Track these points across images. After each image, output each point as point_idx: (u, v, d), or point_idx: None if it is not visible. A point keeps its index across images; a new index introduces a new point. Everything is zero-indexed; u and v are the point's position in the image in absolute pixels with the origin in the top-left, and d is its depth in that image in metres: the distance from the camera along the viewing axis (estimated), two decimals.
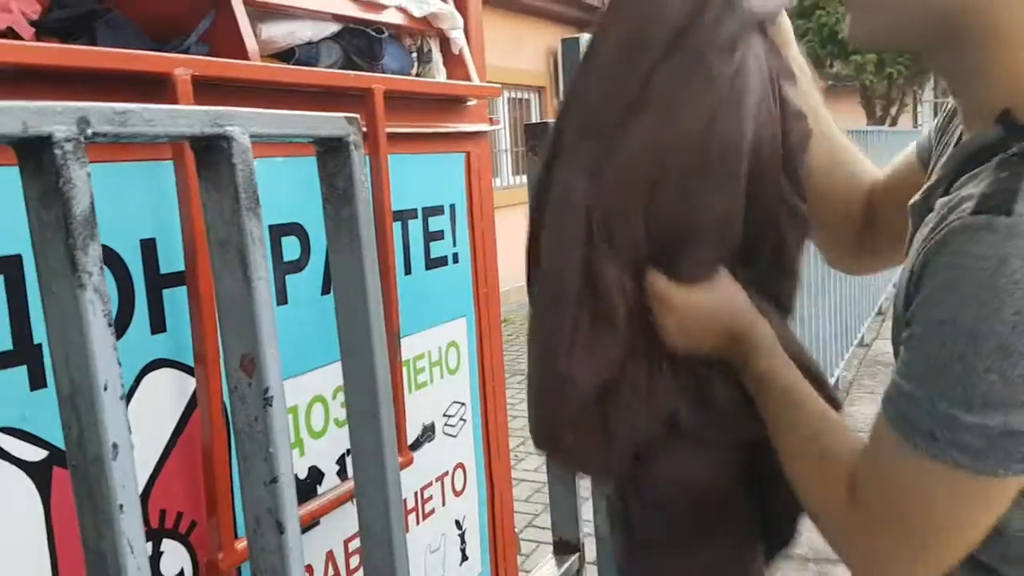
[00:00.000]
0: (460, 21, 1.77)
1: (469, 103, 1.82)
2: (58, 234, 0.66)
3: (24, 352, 1.02)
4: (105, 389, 0.67)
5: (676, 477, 1.11)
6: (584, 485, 2.29)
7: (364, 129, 1.48)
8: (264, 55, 1.39)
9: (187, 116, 0.76)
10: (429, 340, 1.72)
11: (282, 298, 1.37)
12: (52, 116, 0.64)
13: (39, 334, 1.03)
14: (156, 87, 1.10)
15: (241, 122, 0.80)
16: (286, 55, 1.47)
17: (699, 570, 1.15)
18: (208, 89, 1.16)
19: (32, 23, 1.22)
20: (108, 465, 0.67)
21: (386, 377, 0.98)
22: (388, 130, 1.49)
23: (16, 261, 1.01)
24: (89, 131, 0.66)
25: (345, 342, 0.99)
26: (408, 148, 1.63)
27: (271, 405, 0.82)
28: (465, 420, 1.84)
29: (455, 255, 1.82)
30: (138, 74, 1.10)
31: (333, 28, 1.55)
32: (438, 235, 1.76)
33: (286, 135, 0.88)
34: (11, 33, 1.17)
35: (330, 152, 0.95)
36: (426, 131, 1.70)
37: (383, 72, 1.62)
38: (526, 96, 8.72)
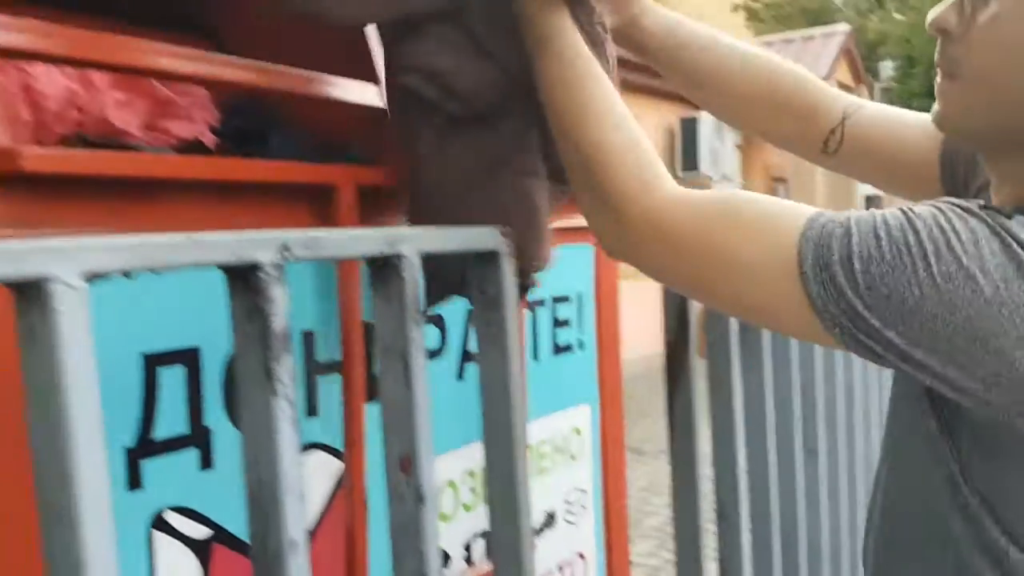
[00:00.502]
0: None
1: None
2: (258, 347, 0.74)
3: (196, 435, 1.11)
4: (289, 490, 0.74)
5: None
6: None
7: None
8: None
9: (367, 239, 0.84)
10: (553, 426, 1.76)
11: None
12: (258, 245, 0.73)
13: (209, 419, 1.12)
14: (325, 195, 1.20)
15: (411, 241, 0.87)
16: None
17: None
18: (372, 195, 1.26)
19: (212, 131, 1.35)
20: (287, 561, 0.73)
21: (526, 474, 1.02)
22: None
23: (194, 353, 1.11)
24: (289, 256, 0.75)
25: (489, 441, 1.03)
26: None
27: (425, 504, 0.87)
28: (585, 507, 1.85)
29: (580, 342, 1.86)
30: (310, 185, 1.20)
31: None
32: (565, 323, 1.81)
33: (448, 250, 0.95)
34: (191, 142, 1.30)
35: (482, 262, 1.01)
36: (558, 225, 1.76)
37: None
38: None
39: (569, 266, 1.83)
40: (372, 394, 1.39)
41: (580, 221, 1.84)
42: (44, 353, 0.57)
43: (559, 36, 0.96)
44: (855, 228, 0.78)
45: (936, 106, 0.94)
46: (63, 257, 0.59)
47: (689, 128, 8.65)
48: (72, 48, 0.98)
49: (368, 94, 1.38)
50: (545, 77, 0.97)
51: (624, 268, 1.82)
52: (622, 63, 1.13)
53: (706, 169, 8.75)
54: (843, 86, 9.32)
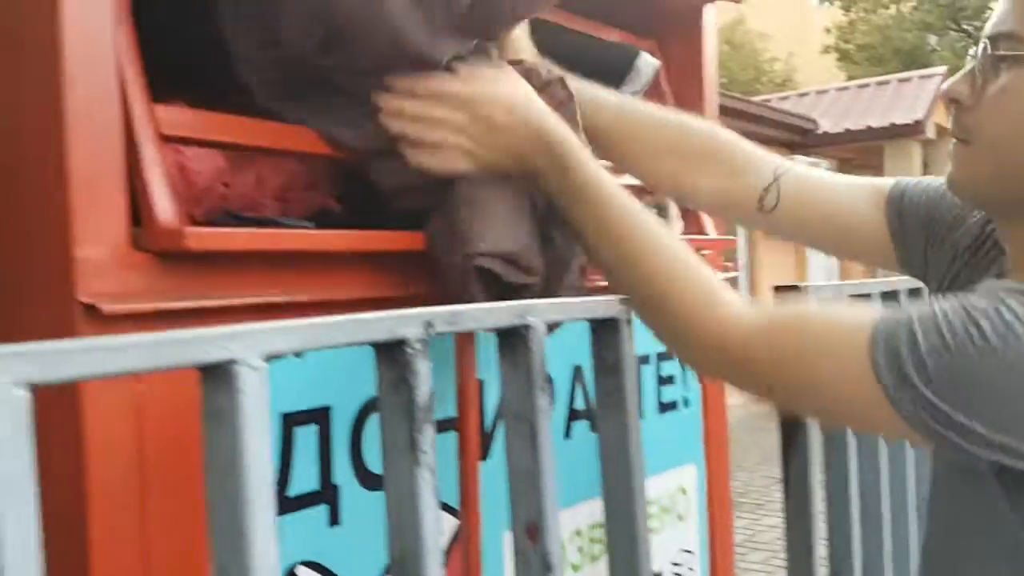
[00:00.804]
0: None
1: (704, 253, 1.89)
2: (403, 418, 0.78)
3: (326, 492, 1.17)
4: (430, 557, 0.77)
5: None
6: None
7: None
8: None
9: (500, 311, 0.88)
10: (659, 486, 1.75)
11: None
12: (407, 322, 0.78)
13: (338, 476, 1.18)
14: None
15: (539, 313, 0.91)
16: None
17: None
18: None
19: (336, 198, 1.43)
20: None
21: (647, 541, 1.03)
22: None
23: (325, 412, 1.17)
24: (432, 331, 0.79)
25: (609, 507, 1.05)
26: None
27: (552, 572, 0.90)
28: (693, 569, 1.83)
29: (685, 399, 1.85)
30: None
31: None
32: (669, 380, 1.81)
33: (572, 319, 0.99)
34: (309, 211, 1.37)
35: (602, 328, 1.04)
36: None
37: None
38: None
39: None
40: (485, 453, 1.43)
41: None
42: (229, 432, 0.63)
43: (596, 183, 1.00)
44: (919, 328, 0.81)
45: (949, 170, 0.98)
46: (246, 341, 0.65)
47: None
48: (220, 132, 1.07)
49: None
50: (587, 224, 1.01)
51: None
52: None
53: None
54: (941, 129, 9.05)
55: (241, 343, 0.64)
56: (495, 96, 0.99)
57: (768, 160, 1.29)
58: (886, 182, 1.21)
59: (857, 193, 1.20)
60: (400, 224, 1.37)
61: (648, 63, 1.72)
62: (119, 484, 0.91)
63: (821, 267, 9.68)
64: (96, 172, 0.91)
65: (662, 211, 1.88)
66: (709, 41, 1.99)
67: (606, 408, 1.04)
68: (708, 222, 1.92)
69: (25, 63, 0.93)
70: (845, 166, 10.26)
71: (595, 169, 1.00)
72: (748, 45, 21.71)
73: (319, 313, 1.13)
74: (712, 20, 2.00)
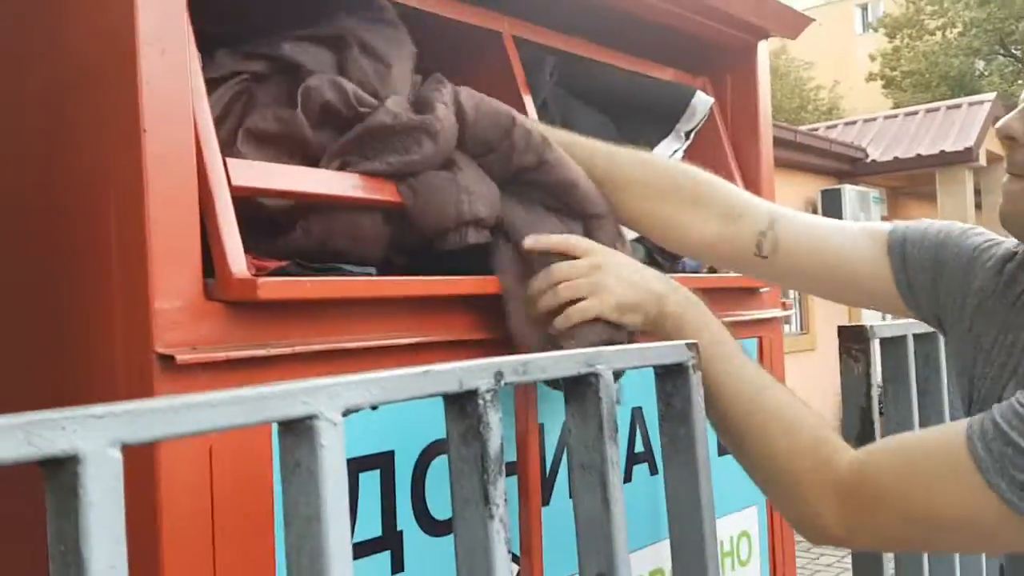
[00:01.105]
0: None
1: (763, 290, 1.87)
2: (474, 469, 0.78)
3: (389, 539, 1.17)
4: None
5: None
6: None
7: None
8: None
9: (568, 360, 0.88)
10: (721, 530, 1.71)
11: None
12: (478, 372, 0.78)
13: (401, 522, 1.18)
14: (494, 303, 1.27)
15: (606, 360, 0.90)
16: None
17: None
18: None
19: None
20: None
21: None
22: None
23: (389, 456, 1.17)
24: (503, 382, 0.79)
25: (677, 555, 1.03)
26: None
27: None
28: None
29: None
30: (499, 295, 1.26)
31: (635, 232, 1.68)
32: None
33: (639, 366, 0.98)
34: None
35: (669, 374, 1.03)
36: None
37: (683, 270, 1.73)
38: None
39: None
40: (546, 498, 1.42)
41: (744, 315, 1.84)
42: (309, 486, 0.63)
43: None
44: (1003, 422, 0.83)
45: (1001, 203, 1.00)
46: (326, 395, 0.65)
47: (832, 200, 8.39)
48: (289, 182, 1.09)
49: None
50: (720, 398, 1.07)
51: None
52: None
53: None
54: (993, 156, 8.85)
55: (321, 397, 0.65)
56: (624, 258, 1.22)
57: (763, 206, 1.27)
58: (882, 227, 1.19)
59: (857, 240, 1.18)
60: (454, 269, 1.38)
61: (703, 101, 1.71)
62: (191, 528, 0.91)
63: None
64: (173, 225, 0.93)
65: None
66: (763, 77, 1.98)
67: (674, 456, 1.02)
68: None
69: (107, 119, 0.96)
70: (895, 195, 10.08)
71: (709, 341, 1.09)
72: (792, 73, 21.59)
73: (383, 357, 1.15)
74: (765, 56, 1.99)
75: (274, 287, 0.97)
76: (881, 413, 1.49)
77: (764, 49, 1.99)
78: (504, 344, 1.27)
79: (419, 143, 1.18)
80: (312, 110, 1.14)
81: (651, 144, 1.69)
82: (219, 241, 0.97)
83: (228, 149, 1.04)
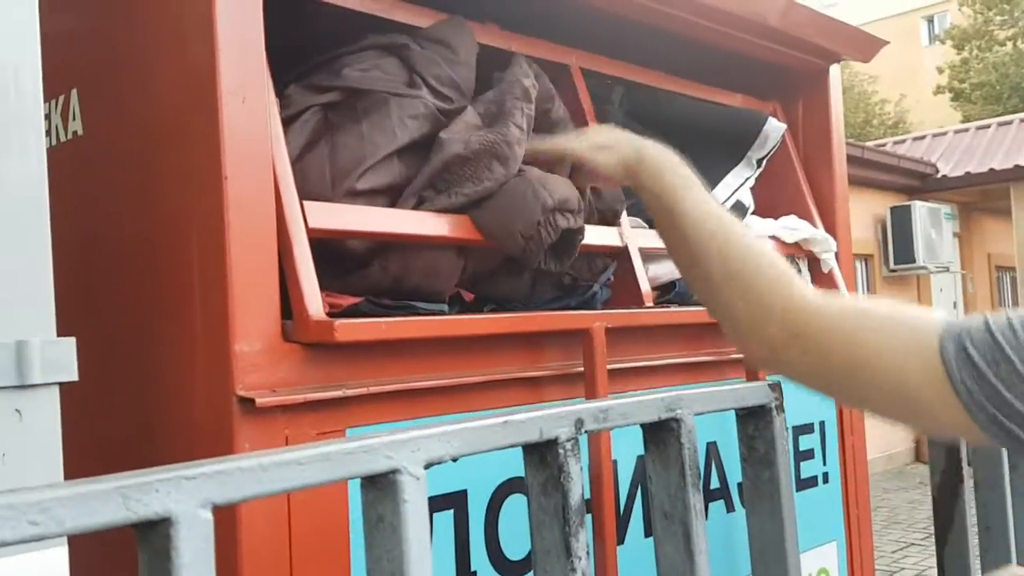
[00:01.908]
0: (833, 245, 1.80)
1: None
2: (555, 521, 0.76)
3: None
4: None
5: None
6: None
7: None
8: (651, 288, 1.52)
9: (649, 405, 0.85)
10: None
11: None
12: (557, 421, 0.76)
13: (474, 562, 1.16)
14: (578, 336, 1.25)
15: (687, 405, 0.88)
16: (667, 287, 1.59)
17: None
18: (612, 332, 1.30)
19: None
20: None
21: None
22: None
23: (463, 496, 1.16)
24: (583, 430, 0.77)
25: None
26: None
27: None
28: None
29: (825, 475, 1.76)
30: (566, 332, 1.25)
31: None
32: (808, 454, 1.72)
33: (720, 409, 0.95)
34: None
35: (751, 416, 1.00)
36: None
37: None
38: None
39: (808, 393, 1.75)
40: (620, 537, 1.39)
41: None
42: (393, 540, 0.63)
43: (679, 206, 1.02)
44: (992, 322, 0.80)
45: None
46: (408, 449, 0.64)
47: (902, 217, 8.15)
48: (364, 223, 1.10)
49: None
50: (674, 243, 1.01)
51: None
52: None
53: (923, 260, 8.18)
54: None
55: (403, 452, 0.64)
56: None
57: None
58: (930, 331, 0.89)
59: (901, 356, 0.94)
60: (520, 307, 1.38)
61: (775, 128, 1.68)
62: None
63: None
64: (253, 269, 0.94)
65: None
66: (835, 100, 1.93)
67: (758, 502, 0.99)
68: (843, 285, 1.85)
69: (190, 165, 0.98)
70: (967, 210, 9.74)
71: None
72: (856, 87, 21.14)
73: (453, 395, 1.14)
74: (838, 79, 1.94)
75: (351, 329, 0.97)
76: None
77: (836, 73, 1.95)
78: (569, 379, 1.26)
79: (490, 168, 1.20)
80: (440, 158, 1.18)
81: (724, 171, 1.66)
82: (297, 283, 0.98)
83: (337, 185, 1.08)
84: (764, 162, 1.72)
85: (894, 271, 8.22)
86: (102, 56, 1.15)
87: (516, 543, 1.22)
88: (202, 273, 0.97)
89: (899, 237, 8.23)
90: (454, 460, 0.69)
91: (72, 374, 0.73)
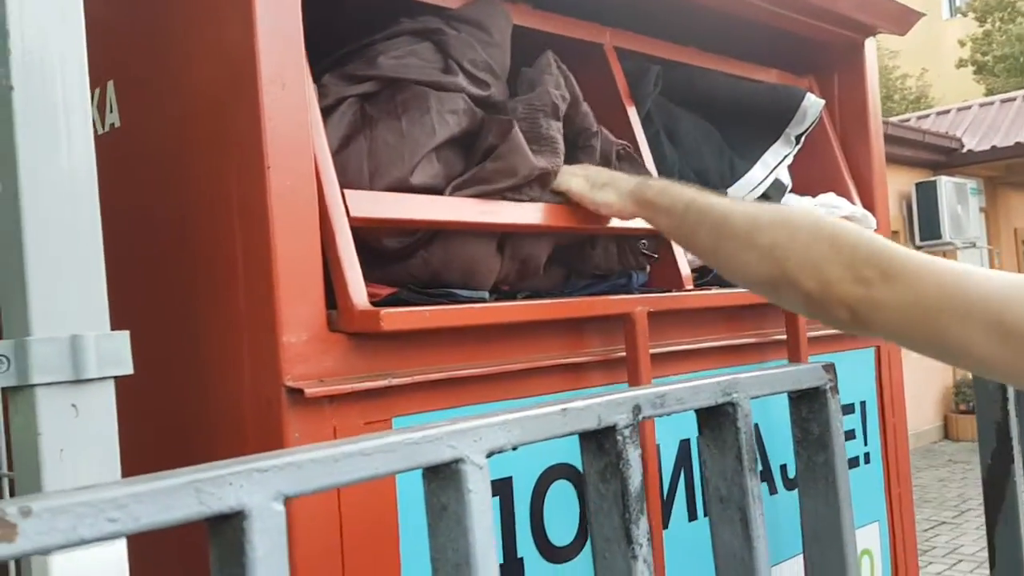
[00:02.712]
0: (873, 222, 1.77)
1: None
2: (615, 508, 0.75)
3: (510, 566, 1.15)
4: None
5: None
6: None
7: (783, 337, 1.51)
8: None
9: (705, 390, 0.84)
10: None
11: None
12: (615, 408, 0.75)
13: (521, 549, 1.16)
14: (618, 321, 1.24)
15: (743, 388, 0.86)
16: (705, 269, 1.57)
17: None
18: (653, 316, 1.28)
19: None
20: None
21: None
22: (809, 335, 1.51)
23: (507, 483, 1.16)
24: (640, 416, 0.76)
25: None
26: (820, 349, 1.63)
27: None
28: None
29: (867, 455, 1.74)
30: (607, 317, 1.24)
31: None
32: (850, 434, 1.70)
33: (775, 392, 0.93)
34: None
35: (804, 399, 0.98)
36: (831, 332, 1.69)
37: None
38: None
39: (852, 373, 1.73)
40: (664, 522, 1.38)
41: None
42: (458, 530, 0.62)
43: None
44: None
45: None
46: (470, 438, 0.63)
47: (927, 193, 8.04)
48: (405, 211, 1.09)
49: None
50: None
51: None
52: None
53: (949, 236, 8.07)
54: None
55: (466, 441, 0.63)
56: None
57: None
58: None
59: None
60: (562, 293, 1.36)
61: (814, 103, 1.65)
62: (323, 571, 0.91)
63: None
64: (298, 259, 0.93)
65: None
66: (871, 74, 1.89)
67: (812, 484, 0.97)
68: None
69: (230, 154, 0.97)
70: (993, 184, 9.60)
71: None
72: (878, 62, 20.85)
73: (497, 383, 1.14)
74: (873, 53, 1.90)
75: (396, 318, 0.96)
76: None
77: (872, 46, 1.91)
78: (611, 364, 1.24)
79: (531, 189, 1.23)
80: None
81: (762, 148, 1.63)
82: (341, 273, 0.97)
83: (376, 181, 1.08)
84: (803, 138, 1.68)
85: (920, 247, 8.12)
86: (138, 47, 1.14)
87: (561, 529, 1.21)
88: (246, 265, 0.96)
89: (925, 213, 8.13)
90: (514, 449, 0.68)
91: (127, 368, 0.72)
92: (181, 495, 0.48)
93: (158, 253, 1.13)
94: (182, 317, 1.08)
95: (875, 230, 1.82)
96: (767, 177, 1.59)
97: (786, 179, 1.74)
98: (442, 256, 1.12)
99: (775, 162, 1.60)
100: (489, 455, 0.65)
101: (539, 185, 1.22)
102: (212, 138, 1.01)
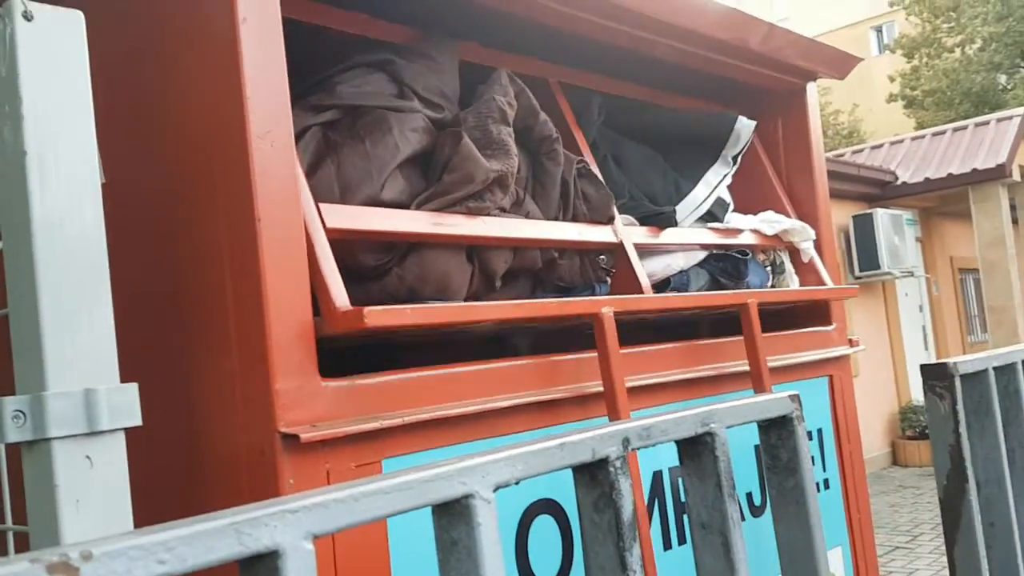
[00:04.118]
0: (811, 233, 1.86)
1: (831, 328, 1.87)
2: (609, 537, 0.79)
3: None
4: None
5: None
6: None
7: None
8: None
9: (684, 421, 0.89)
10: None
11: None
12: (608, 440, 0.79)
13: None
14: (590, 361, 1.29)
15: (720, 419, 0.92)
16: (662, 285, 1.64)
17: None
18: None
19: None
20: None
21: None
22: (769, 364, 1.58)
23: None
24: (629, 448, 0.81)
25: None
26: (778, 378, 1.70)
27: None
28: None
29: (826, 481, 1.81)
30: (573, 316, 1.30)
31: (700, 256, 1.73)
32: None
33: (748, 421, 0.99)
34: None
35: (773, 427, 1.04)
36: (794, 361, 1.76)
37: (748, 288, 1.74)
38: None
39: (806, 401, 1.80)
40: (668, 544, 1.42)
41: (814, 355, 1.83)
42: (468, 564, 0.65)
43: None
44: None
45: None
46: (480, 474, 0.67)
47: (864, 225, 8.34)
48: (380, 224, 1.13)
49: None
50: None
51: None
52: None
53: (887, 266, 8.36)
54: None
55: (475, 477, 0.67)
56: None
57: None
58: None
59: None
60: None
61: (746, 125, 1.75)
62: None
63: (914, 328, 9.39)
64: (290, 308, 0.96)
65: (778, 266, 1.88)
66: (814, 117, 2.01)
67: (784, 508, 1.02)
68: (826, 274, 1.91)
69: (220, 208, 0.99)
70: (927, 215, 9.98)
71: None
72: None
73: (479, 422, 1.17)
74: (815, 96, 2.02)
75: (379, 316, 0.99)
76: None
77: (813, 90, 2.02)
78: (586, 399, 1.29)
79: (493, 193, 1.28)
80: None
81: (702, 170, 1.73)
82: (323, 282, 1.00)
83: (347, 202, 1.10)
84: (739, 159, 1.79)
85: (860, 278, 8.40)
86: (126, 104, 1.17)
87: (545, 563, 1.24)
88: (238, 314, 0.99)
89: (863, 244, 8.41)
90: (517, 483, 0.72)
91: (136, 419, 0.75)
92: (223, 537, 0.51)
93: (151, 305, 1.15)
94: (177, 368, 1.10)
95: (818, 250, 1.92)
96: (709, 195, 1.69)
97: (727, 197, 1.83)
98: (416, 272, 1.17)
99: (716, 181, 1.70)
100: (496, 489, 0.69)
101: (499, 189, 1.27)
102: (203, 193, 1.04)
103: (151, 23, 1.08)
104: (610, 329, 1.29)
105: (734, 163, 1.82)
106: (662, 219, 1.58)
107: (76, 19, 0.81)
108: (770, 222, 1.87)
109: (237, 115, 0.97)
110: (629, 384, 1.34)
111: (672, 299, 1.55)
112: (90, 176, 0.75)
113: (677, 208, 1.69)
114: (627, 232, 1.54)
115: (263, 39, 0.99)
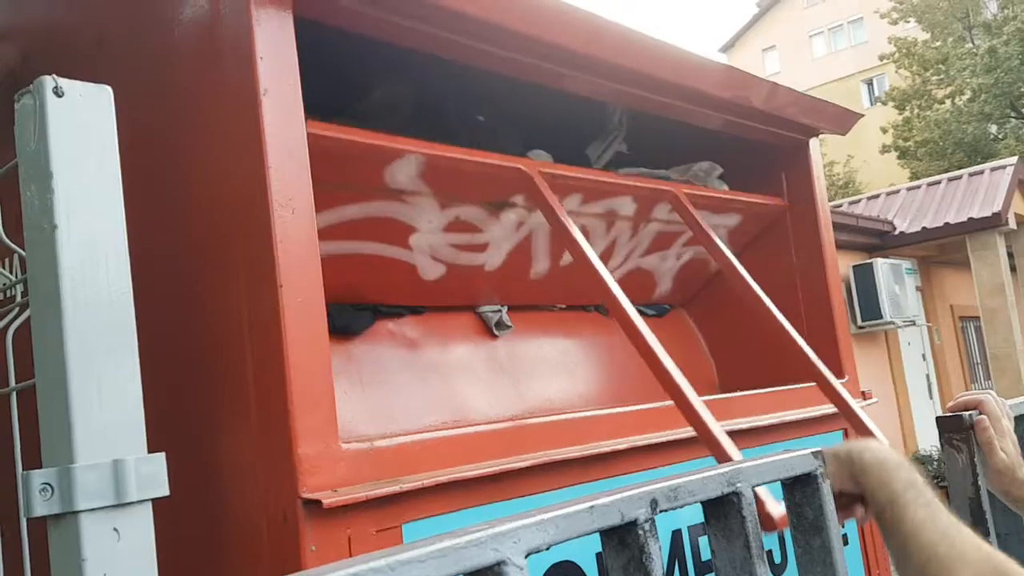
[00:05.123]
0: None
1: (842, 381, 1.87)
2: None
3: None
4: None
5: None
6: None
7: None
8: None
9: (711, 481, 0.88)
10: None
11: None
12: (636, 502, 0.79)
13: None
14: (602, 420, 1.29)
15: (747, 478, 0.91)
16: None
17: None
18: None
19: None
20: None
21: None
22: (773, 420, 1.57)
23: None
24: (657, 510, 0.80)
25: None
26: (795, 433, 1.69)
27: None
28: None
29: (844, 536, 1.78)
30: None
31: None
32: None
33: (773, 480, 0.98)
34: None
35: (796, 484, 1.03)
36: (810, 415, 1.76)
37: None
38: None
39: None
40: None
41: (827, 408, 1.83)
42: None
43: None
44: None
45: None
46: (512, 540, 0.66)
47: (865, 275, 8.37)
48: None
49: None
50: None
51: None
52: None
53: (889, 315, 8.36)
54: (1021, 218, 8.85)
55: (507, 543, 0.66)
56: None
57: None
58: None
59: None
60: None
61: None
62: None
63: (917, 373, 9.35)
64: (310, 372, 0.96)
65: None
66: (817, 170, 2.03)
67: (811, 566, 1.01)
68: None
69: (241, 273, 1.00)
70: (926, 264, 10.03)
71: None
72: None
73: (492, 484, 1.16)
74: (818, 152, 2.05)
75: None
76: None
77: (816, 146, 2.06)
78: (590, 460, 1.28)
79: None
80: None
81: None
82: None
83: None
84: None
85: (862, 328, 8.40)
86: (151, 173, 1.19)
87: None
88: (258, 380, 0.99)
89: (864, 294, 8.43)
90: (547, 548, 0.72)
91: (164, 489, 0.74)
92: None
93: (172, 371, 1.15)
94: (197, 434, 1.10)
95: (827, 300, 1.92)
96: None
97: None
98: None
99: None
100: (527, 555, 0.68)
101: None
102: (224, 259, 1.05)
103: (176, 95, 1.11)
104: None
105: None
106: None
107: (104, 93, 0.83)
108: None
109: (259, 183, 0.98)
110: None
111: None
112: (118, 248, 0.76)
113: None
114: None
115: (284, 108, 1.01)
